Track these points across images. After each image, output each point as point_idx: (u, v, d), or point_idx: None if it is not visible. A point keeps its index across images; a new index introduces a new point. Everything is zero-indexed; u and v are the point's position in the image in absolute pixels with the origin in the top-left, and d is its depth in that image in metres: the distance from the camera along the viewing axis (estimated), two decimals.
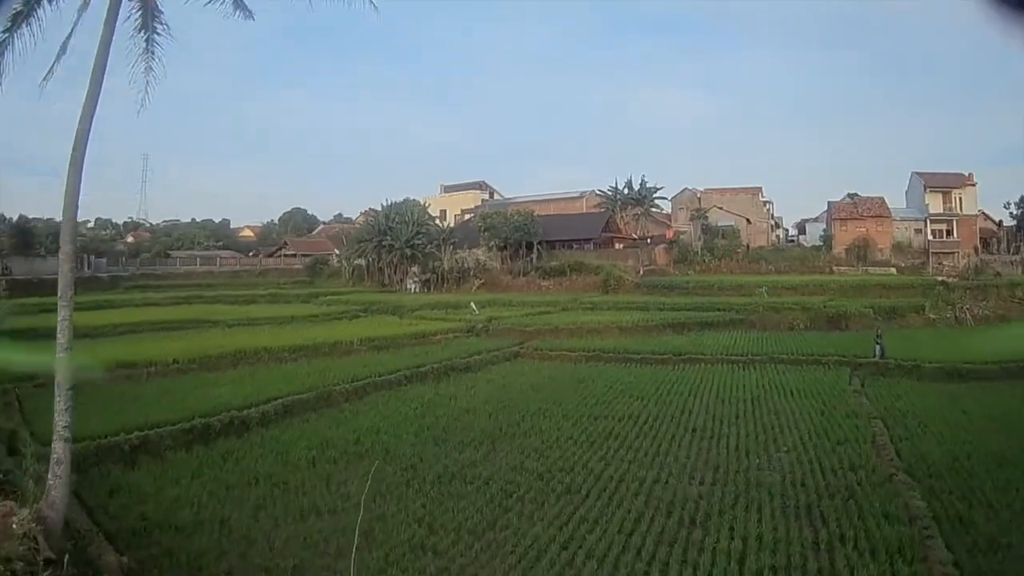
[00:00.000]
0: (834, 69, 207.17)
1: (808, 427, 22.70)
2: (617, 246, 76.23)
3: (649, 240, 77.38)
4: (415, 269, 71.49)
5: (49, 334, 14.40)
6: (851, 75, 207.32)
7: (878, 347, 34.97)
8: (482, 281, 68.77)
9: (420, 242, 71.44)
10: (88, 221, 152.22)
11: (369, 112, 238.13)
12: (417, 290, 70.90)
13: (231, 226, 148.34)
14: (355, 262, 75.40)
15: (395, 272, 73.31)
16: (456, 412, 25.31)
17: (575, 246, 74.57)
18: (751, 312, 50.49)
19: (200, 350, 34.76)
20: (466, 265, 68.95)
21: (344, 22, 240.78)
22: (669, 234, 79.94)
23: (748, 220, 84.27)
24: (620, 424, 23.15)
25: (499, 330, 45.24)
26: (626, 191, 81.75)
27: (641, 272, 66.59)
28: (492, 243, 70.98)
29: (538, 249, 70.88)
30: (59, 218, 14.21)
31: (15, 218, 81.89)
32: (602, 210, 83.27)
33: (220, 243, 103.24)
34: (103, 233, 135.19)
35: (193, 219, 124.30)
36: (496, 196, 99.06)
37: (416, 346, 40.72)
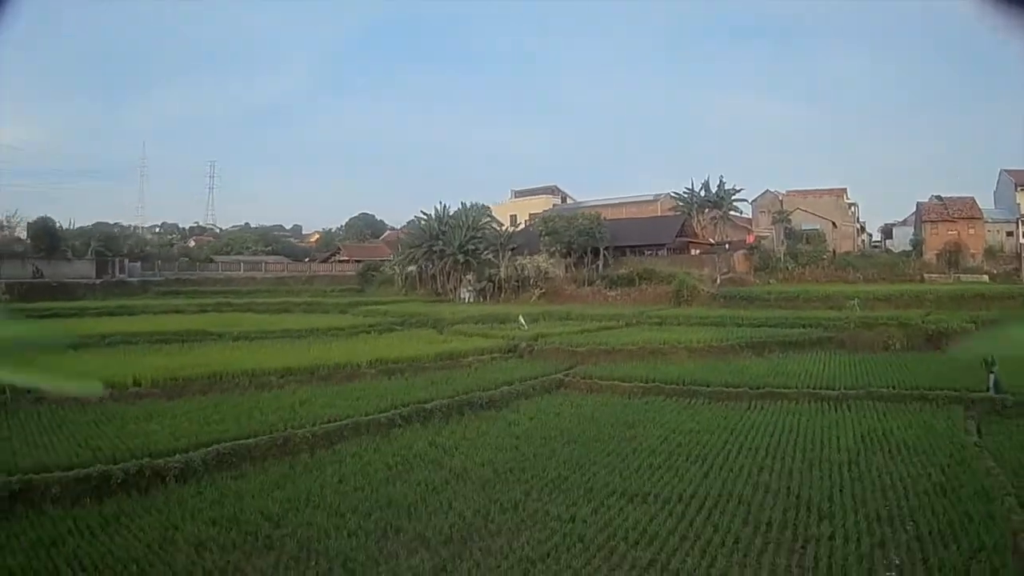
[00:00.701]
0: (915, 65, 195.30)
1: (927, 518, 15.44)
2: (693, 252, 69.17)
3: (727, 246, 70.06)
4: (470, 277, 65.75)
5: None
6: (933, 69, 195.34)
7: (991, 377, 27.70)
8: (543, 291, 62.38)
9: (474, 247, 65.64)
10: (156, 225, 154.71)
11: (443, 120, 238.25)
12: (471, 300, 65.15)
13: (303, 231, 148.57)
14: (408, 269, 70.26)
15: (448, 280, 67.75)
16: (441, 478, 18.50)
17: (647, 252, 67.79)
18: (841, 328, 43.12)
19: (174, 370, 30.31)
20: (526, 273, 62.81)
21: (416, 31, 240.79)
22: (749, 239, 72.41)
23: (833, 223, 76.45)
24: (663, 512, 15.88)
25: (546, 350, 38.46)
26: (703, 193, 74.40)
27: (718, 281, 59.39)
28: (554, 249, 64.66)
29: (605, 255, 64.18)
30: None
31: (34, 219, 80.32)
32: (677, 213, 76.72)
33: (269, 248, 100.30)
34: (168, 237, 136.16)
35: (248, 223, 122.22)
36: (569, 201, 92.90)
37: (440, 370, 34.74)
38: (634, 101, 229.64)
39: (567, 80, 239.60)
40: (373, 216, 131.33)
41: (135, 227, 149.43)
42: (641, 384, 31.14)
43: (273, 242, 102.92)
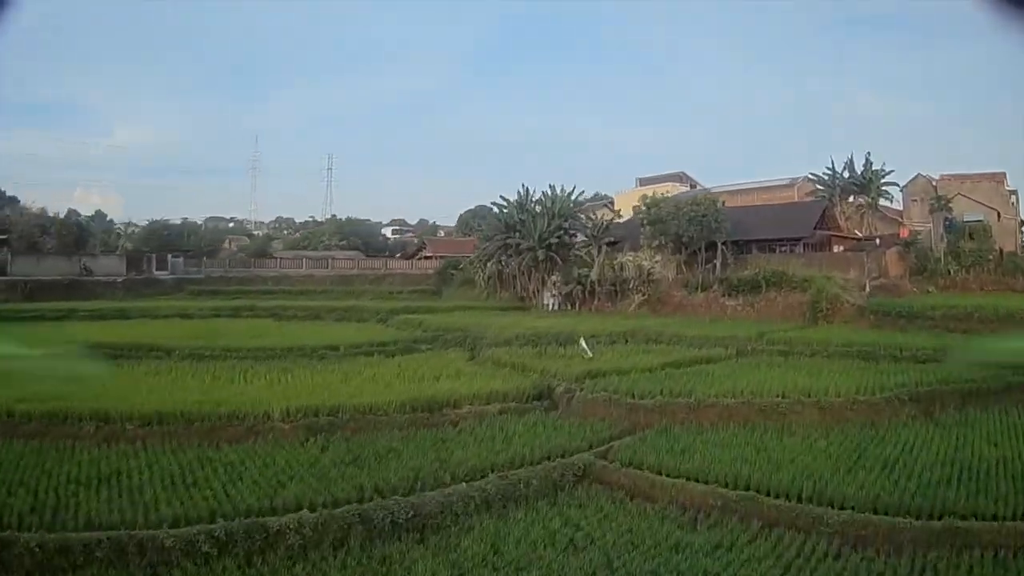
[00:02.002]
0: None
1: None
2: (835, 248, 51.85)
3: (878, 241, 52.62)
4: (555, 278, 52.46)
5: None
6: None
7: None
8: (644, 297, 48.64)
9: (558, 241, 52.36)
10: (264, 221, 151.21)
11: (569, 112, 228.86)
12: (555, 307, 52.32)
13: (408, 224, 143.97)
14: (489, 268, 57.69)
15: (529, 281, 54.69)
16: None
17: (779, 248, 52.47)
18: None
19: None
20: (625, 274, 48.84)
21: (546, 25, 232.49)
22: (902, 233, 54.50)
23: (998, 214, 57.07)
24: None
25: (594, 401, 25.08)
26: (846, 175, 56.88)
27: (867, 289, 43.06)
28: (657, 243, 50.48)
29: (724, 252, 49.08)
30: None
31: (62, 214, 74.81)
32: (816, 199, 58.48)
33: (344, 242, 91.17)
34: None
35: (349, 217, 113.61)
36: (698, 189, 76.98)
37: (405, 428, 22.86)
38: (772, 89, 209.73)
39: (697, 70, 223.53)
40: (491, 209, 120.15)
41: (244, 221, 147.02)
42: (723, 492, 17.12)
43: (352, 236, 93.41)
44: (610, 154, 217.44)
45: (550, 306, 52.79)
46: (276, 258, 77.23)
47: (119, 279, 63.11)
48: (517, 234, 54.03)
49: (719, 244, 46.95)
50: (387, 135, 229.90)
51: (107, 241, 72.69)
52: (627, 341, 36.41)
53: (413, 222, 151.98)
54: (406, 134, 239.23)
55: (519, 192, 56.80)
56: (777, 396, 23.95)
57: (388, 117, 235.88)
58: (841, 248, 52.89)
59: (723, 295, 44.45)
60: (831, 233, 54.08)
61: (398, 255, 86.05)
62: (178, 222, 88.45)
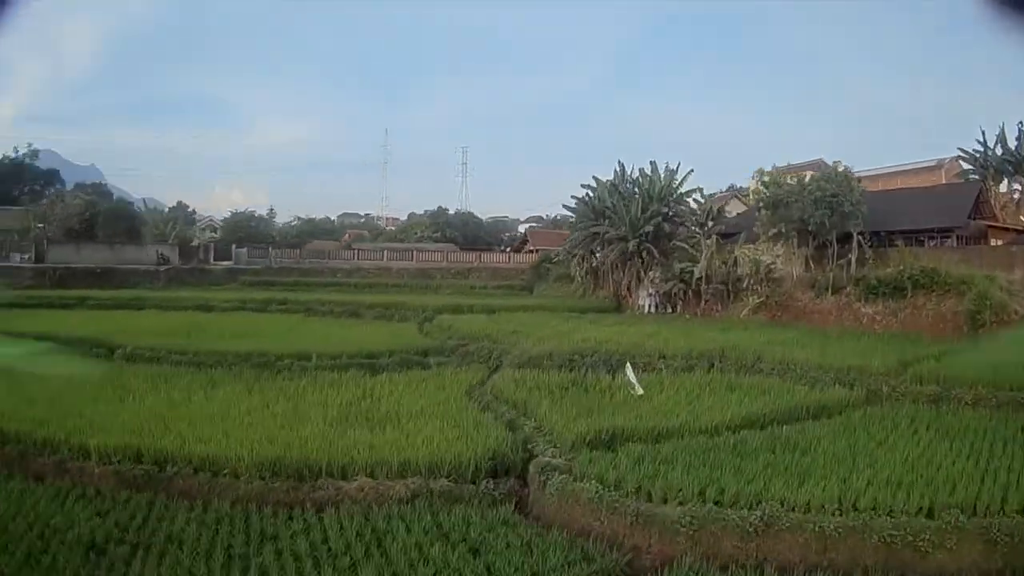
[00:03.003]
0: None
1: None
2: (993, 242, 38.51)
3: None
4: (653, 274, 42.29)
5: None
6: None
7: None
8: (761, 299, 37.24)
9: (654, 230, 42.38)
10: (387, 217, 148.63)
11: (710, 108, 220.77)
12: (651, 308, 42.41)
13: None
14: (584, 262, 48.12)
15: (623, 276, 44.80)
16: None
17: (927, 241, 40.08)
18: None
19: None
20: (740, 271, 37.94)
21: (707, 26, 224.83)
22: None
23: None
24: None
25: (575, 498, 13.94)
26: (999, 150, 43.00)
27: None
28: (776, 231, 37.79)
29: (860, 244, 35.96)
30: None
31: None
32: (969, 180, 46.24)
33: (438, 234, 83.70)
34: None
35: (470, 212, 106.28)
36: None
37: (243, 503, 14.14)
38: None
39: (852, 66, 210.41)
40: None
41: (375, 217, 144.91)
42: None
43: (446, 227, 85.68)
44: (751, 150, 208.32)
45: (645, 307, 42.44)
46: (355, 250, 70.74)
47: (162, 268, 58.44)
48: (607, 221, 44.22)
49: (855, 235, 34.79)
50: (531, 133, 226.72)
51: (163, 231, 68.75)
52: (713, 365, 25.23)
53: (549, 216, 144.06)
54: (550, 132, 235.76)
55: (616, 171, 47.04)
56: (919, 510, 12.56)
57: (532, 116, 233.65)
58: (1000, 242, 39.89)
59: (860, 299, 32.69)
60: (988, 223, 40.86)
61: (507, 249, 78.52)
62: (261, 214, 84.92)
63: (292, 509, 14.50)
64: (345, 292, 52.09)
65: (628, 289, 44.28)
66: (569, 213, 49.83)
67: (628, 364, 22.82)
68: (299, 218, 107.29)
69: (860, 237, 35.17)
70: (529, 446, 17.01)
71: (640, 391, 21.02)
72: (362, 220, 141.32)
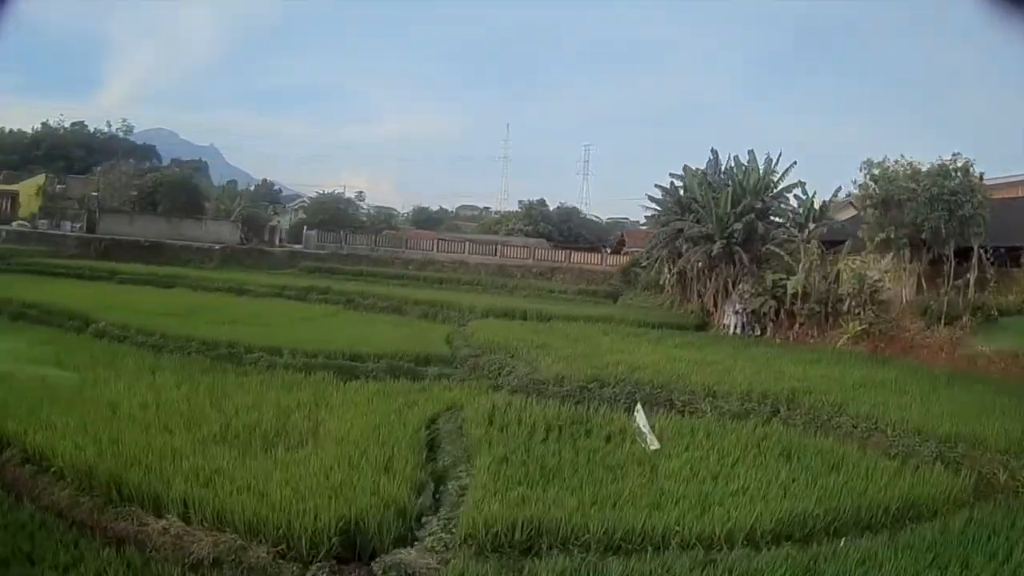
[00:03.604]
0: None
1: None
2: None
3: None
4: (742, 287, 36.22)
5: None
6: None
7: None
8: (863, 326, 29.98)
9: (744, 229, 35.50)
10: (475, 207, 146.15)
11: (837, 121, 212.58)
12: (737, 329, 35.57)
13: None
14: (664, 267, 42.16)
15: (707, 285, 39.33)
16: None
17: None
18: None
19: None
20: (841, 288, 31.30)
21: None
22: None
23: None
24: None
25: None
26: None
27: None
28: (884, 236, 30.08)
29: (982, 259, 28.56)
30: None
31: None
32: None
33: (529, 227, 78.64)
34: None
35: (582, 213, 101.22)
36: None
37: None
38: None
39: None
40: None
41: (492, 211, 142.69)
42: None
43: (540, 221, 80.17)
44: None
45: (730, 327, 36.32)
46: (433, 240, 66.79)
47: (217, 246, 55.86)
48: (691, 216, 38.41)
49: (976, 249, 27.45)
50: (656, 135, 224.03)
51: (228, 207, 66.87)
52: (778, 413, 18.75)
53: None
54: (674, 135, 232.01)
55: (709, 159, 40.98)
56: None
57: (657, 118, 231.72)
58: None
59: (976, 332, 25.78)
60: None
61: (608, 249, 73.08)
62: (350, 195, 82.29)
63: (94, 532, 10.54)
64: (406, 285, 48.13)
65: (715, 302, 38.34)
66: (654, 207, 43.76)
67: (639, 406, 16.87)
68: (415, 208, 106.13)
69: (981, 251, 27.99)
70: (413, 524, 11.83)
71: (655, 444, 15.01)
72: (478, 212, 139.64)
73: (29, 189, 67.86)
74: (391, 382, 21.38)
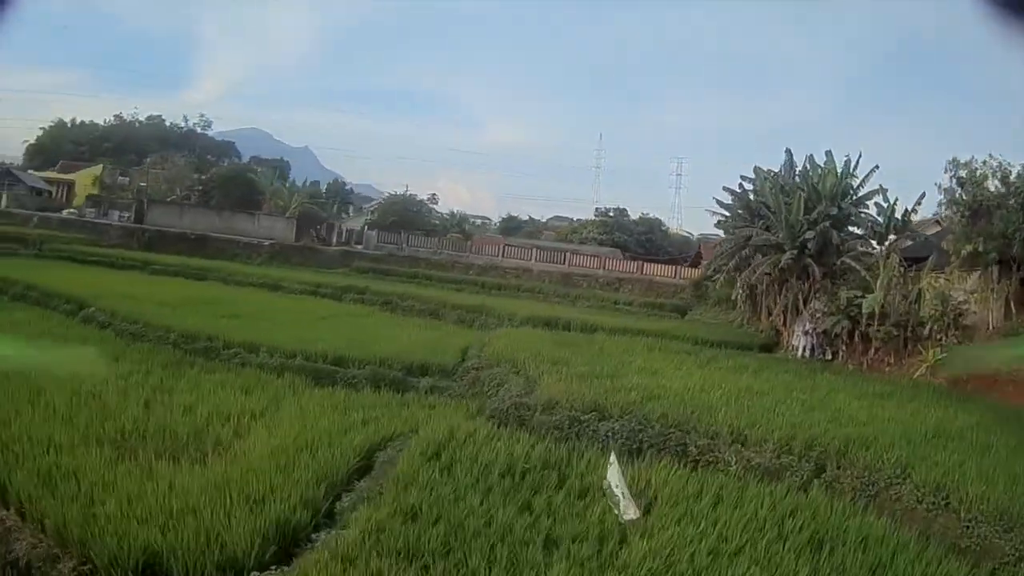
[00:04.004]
0: None
1: None
2: None
3: None
4: (815, 304, 32.19)
5: None
6: None
7: None
8: (944, 353, 25.73)
9: (817, 236, 31.39)
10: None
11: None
12: (806, 351, 31.34)
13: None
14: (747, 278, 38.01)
15: (775, 299, 35.14)
16: None
17: None
18: None
19: None
20: (922, 310, 27.05)
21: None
22: None
23: None
24: None
25: None
26: None
27: None
28: (971, 248, 25.34)
29: None
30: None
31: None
32: None
33: (604, 236, 74.83)
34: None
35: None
36: None
37: None
38: None
39: None
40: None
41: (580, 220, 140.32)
42: None
43: (616, 231, 76.44)
44: None
45: (799, 349, 32.46)
46: (499, 245, 64.16)
47: (267, 242, 54.68)
48: (760, 222, 34.69)
49: None
50: (754, 155, 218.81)
51: (287, 203, 65.83)
52: (823, 472, 14.38)
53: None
54: (771, 156, 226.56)
55: (784, 160, 36.91)
56: None
57: (756, 137, 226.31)
58: None
59: None
60: None
61: (686, 263, 69.12)
62: (423, 198, 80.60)
63: None
64: (461, 290, 46.37)
65: (784, 320, 34.50)
66: (722, 213, 39.52)
67: (613, 458, 12.69)
68: (504, 216, 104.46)
69: None
70: None
71: (630, 513, 11.28)
72: (567, 223, 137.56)
73: (86, 179, 68.70)
74: (366, 392, 18.97)
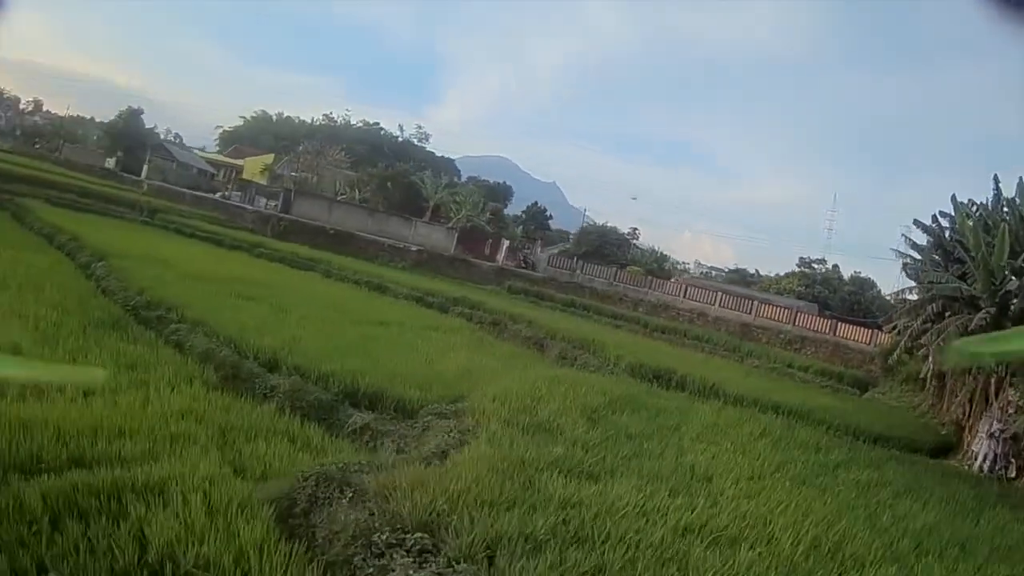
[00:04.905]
0: None
1: None
2: None
3: None
4: (1006, 395, 23.50)
5: None
6: None
7: None
8: None
9: (1020, 290, 22.97)
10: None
11: None
12: (986, 464, 21.92)
13: None
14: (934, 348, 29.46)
15: (962, 382, 25.88)
16: None
17: None
18: None
19: None
20: None
21: None
22: None
23: None
24: None
25: None
26: None
27: None
28: None
29: None
30: None
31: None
32: None
33: (802, 288, 65.87)
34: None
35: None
36: None
37: None
38: None
39: None
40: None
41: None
42: None
43: (816, 284, 66.71)
44: None
45: (977, 460, 23.91)
46: (680, 285, 57.37)
47: (413, 248, 52.07)
48: (955, 268, 26.41)
49: None
50: None
51: (450, 215, 62.99)
52: None
53: None
54: None
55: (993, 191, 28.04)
56: None
57: None
58: None
59: None
60: None
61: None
62: (622, 231, 75.85)
63: None
64: (619, 327, 41.27)
65: (967, 412, 25.99)
66: (911, 255, 31.16)
67: None
68: (731, 267, 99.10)
69: None
70: None
71: None
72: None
73: (255, 165, 69.70)
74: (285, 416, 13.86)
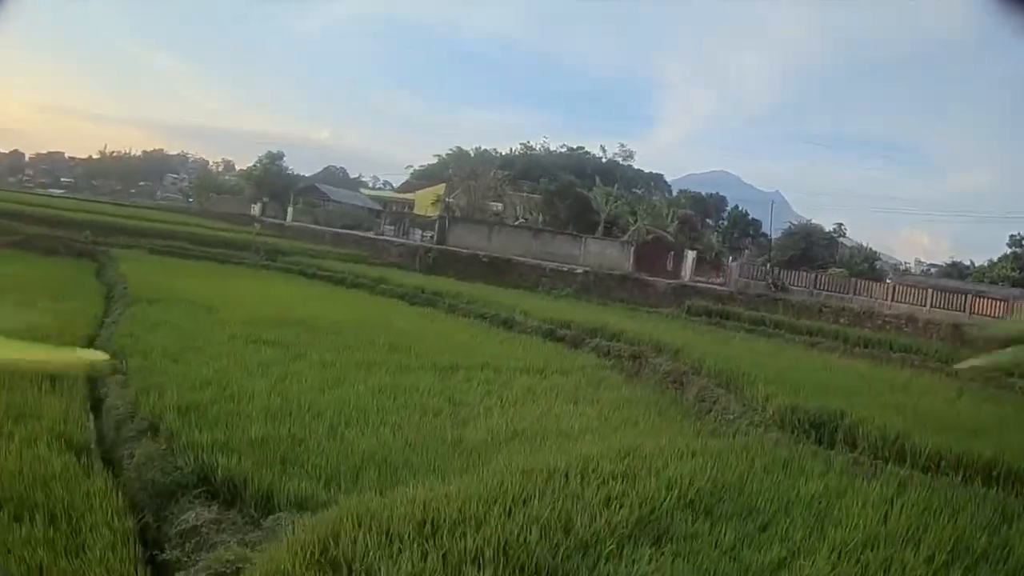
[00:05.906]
0: None
1: None
2: None
3: None
4: None
5: None
6: None
7: None
8: None
9: None
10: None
11: None
12: None
13: None
14: None
15: None
16: None
17: None
18: None
19: None
20: None
21: None
22: None
23: None
24: None
25: None
26: None
27: None
28: None
29: None
30: None
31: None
32: None
33: (1016, 273, 53.91)
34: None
35: None
36: None
37: None
38: None
39: None
40: None
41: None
42: None
43: None
44: None
45: None
46: (886, 287, 48.47)
47: (579, 270, 47.38)
48: None
49: None
50: None
51: (627, 228, 57.14)
52: None
53: None
54: None
55: None
56: None
57: None
58: None
59: None
60: None
61: None
62: (830, 231, 67.58)
63: None
64: (816, 344, 35.75)
65: None
66: None
67: None
68: (948, 261, 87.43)
69: None
70: None
71: None
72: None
73: (426, 198, 67.79)
74: None
